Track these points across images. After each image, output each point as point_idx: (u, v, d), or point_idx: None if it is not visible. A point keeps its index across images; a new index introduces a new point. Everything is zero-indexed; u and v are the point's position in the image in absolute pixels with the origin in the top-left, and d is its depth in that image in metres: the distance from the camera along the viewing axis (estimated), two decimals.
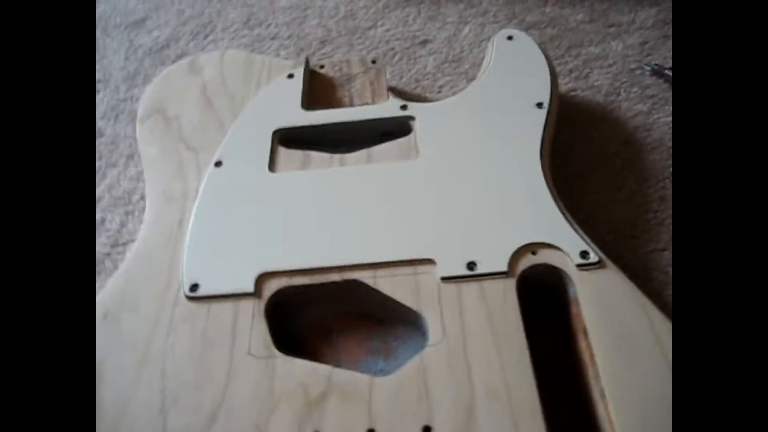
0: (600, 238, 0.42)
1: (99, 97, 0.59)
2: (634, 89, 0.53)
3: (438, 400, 0.29)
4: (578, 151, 0.48)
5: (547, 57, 0.47)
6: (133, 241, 0.45)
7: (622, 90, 0.53)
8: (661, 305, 0.32)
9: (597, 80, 0.55)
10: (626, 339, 0.30)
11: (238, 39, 0.64)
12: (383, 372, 0.31)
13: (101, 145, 0.54)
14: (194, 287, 0.34)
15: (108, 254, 0.45)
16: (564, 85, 0.54)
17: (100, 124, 0.56)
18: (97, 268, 0.44)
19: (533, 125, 0.41)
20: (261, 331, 0.32)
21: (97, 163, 0.52)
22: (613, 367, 0.29)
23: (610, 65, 0.56)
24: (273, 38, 0.63)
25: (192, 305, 0.34)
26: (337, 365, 0.31)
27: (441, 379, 0.29)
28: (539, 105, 0.43)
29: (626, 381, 0.29)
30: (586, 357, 0.31)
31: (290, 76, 0.48)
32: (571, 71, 0.56)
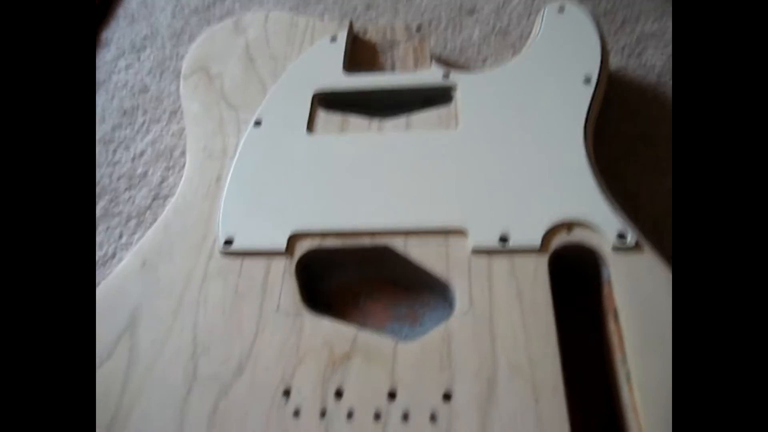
0: (641, 222, 0.41)
1: (145, 53, 0.60)
2: None
3: (460, 369, 0.29)
4: (624, 132, 0.46)
5: (599, 31, 0.45)
6: (172, 195, 0.46)
7: None
8: None
9: (651, 59, 0.52)
10: (657, 325, 0.30)
11: (283, 1, 0.64)
12: (408, 338, 0.32)
13: (146, 100, 0.55)
14: (229, 242, 0.35)
15: (149, 207, 0.46)
16: (615, 62, 0.52)
17: (146, 79, 0.57)
18: (138, 220, 0.46)
19: (579, 101, 0.40)
20: (291, 289, 0.33)
21: (141, 118, 0.53)
22: (641, 352, 0.29)
23: (666, 44, 0.53)
24: (318, 1, 0.63)
25: (225, 260, 0.35)
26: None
27: (465, 349, 0.30)
28: (587, 80, 0.41)
29: (654, 367, 0.28)
30: (614, 340, 0.30)
31: (333, 39, 0.48)
32: (623, 48, 0.53)
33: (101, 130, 0.53)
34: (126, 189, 0.48)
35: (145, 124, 0.53)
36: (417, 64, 0.47)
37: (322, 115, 0.42)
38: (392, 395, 0.29)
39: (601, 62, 0.43)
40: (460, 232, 0.34)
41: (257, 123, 0.42)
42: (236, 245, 0.35)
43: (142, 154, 0.50)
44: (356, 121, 0.42)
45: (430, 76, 0.44)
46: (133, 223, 0.46)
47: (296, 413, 0.28)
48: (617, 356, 0.30)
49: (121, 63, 0.59)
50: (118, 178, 0.49)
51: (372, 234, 0.35)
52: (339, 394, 0.29)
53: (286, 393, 0.29)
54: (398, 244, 0.34)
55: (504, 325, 0.30)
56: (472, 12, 0.59)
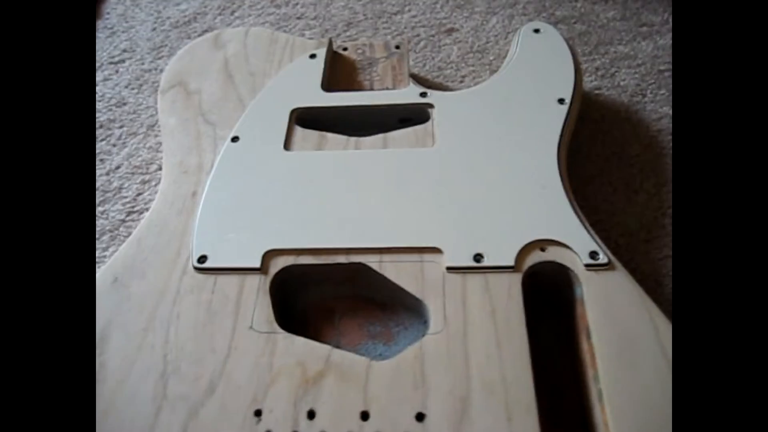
0: (613, 240, 0.41)
1: (124, 66, 0.59)
2: (661, 91, 0.52)
3: (434, 388, 0.29)
4: (597, 151, 0.47)
5: (573, 52, 0.46)
6: (147, 209, 0.46)
7: (648, 91, 0.52)
8: (668, 312, 0.32)
9: (623, 80, 0.53)
10: (629, 343, 0.30)
11: (264, 17, 0.64)
12: (382, 357, 0.31)
13: (123, 113, 0.54)
14: (202, 259, 0.35)
15: (123, 221, 0.46)
16: (589, 82, 0.53)
17: (124, 92, 0.56)
18: (111, 234, 0.45)
19: (553, 121, 0.41)
20: (264, 306, 0.33)
21: (118, 132, 0.53)
22: (613, 370, 0.29)
23: (638, 65, 0.55)
24: (299, 18, 0.63)
25: (199, 277, 0.34)
26: (337, 347, 0.31)
27: (438, 368, 0.29)
28: (561, 101, 0.42)
29: (625, 385, 0.28)
30: (587, 358, 0.30)
31: (312, 56, 0.48)
32: (597, 69, 0.55)
33: None
34: (100, 203, 0.47)
35: (122, 138, 0.52)
36: (395, 82, 0.47)
37: (299, 133, 0.42)
38: (365, 416, 0.28)
39: (575, 83, 0.44)
40: (434, 251, 0.34)
41: (234, 139, 0.42)
42: (210, 262, 0.35)
43: (117, 167, 0.50)
44: (333, 138, 0.42)
45: (408, 94, 0.45)
46: (106, 237, 0.45)
47: None
48: (590, 374, 0.30)
49: (99, 76, 0.58)
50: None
51: (347, 251, 0.35)
52: (311, 414, 0.28)
53: (258, 413, 0.29)
54: (373, 261, 0.34)
55: (478, 344, 0.30)
56: (451, 31, 0.60)
